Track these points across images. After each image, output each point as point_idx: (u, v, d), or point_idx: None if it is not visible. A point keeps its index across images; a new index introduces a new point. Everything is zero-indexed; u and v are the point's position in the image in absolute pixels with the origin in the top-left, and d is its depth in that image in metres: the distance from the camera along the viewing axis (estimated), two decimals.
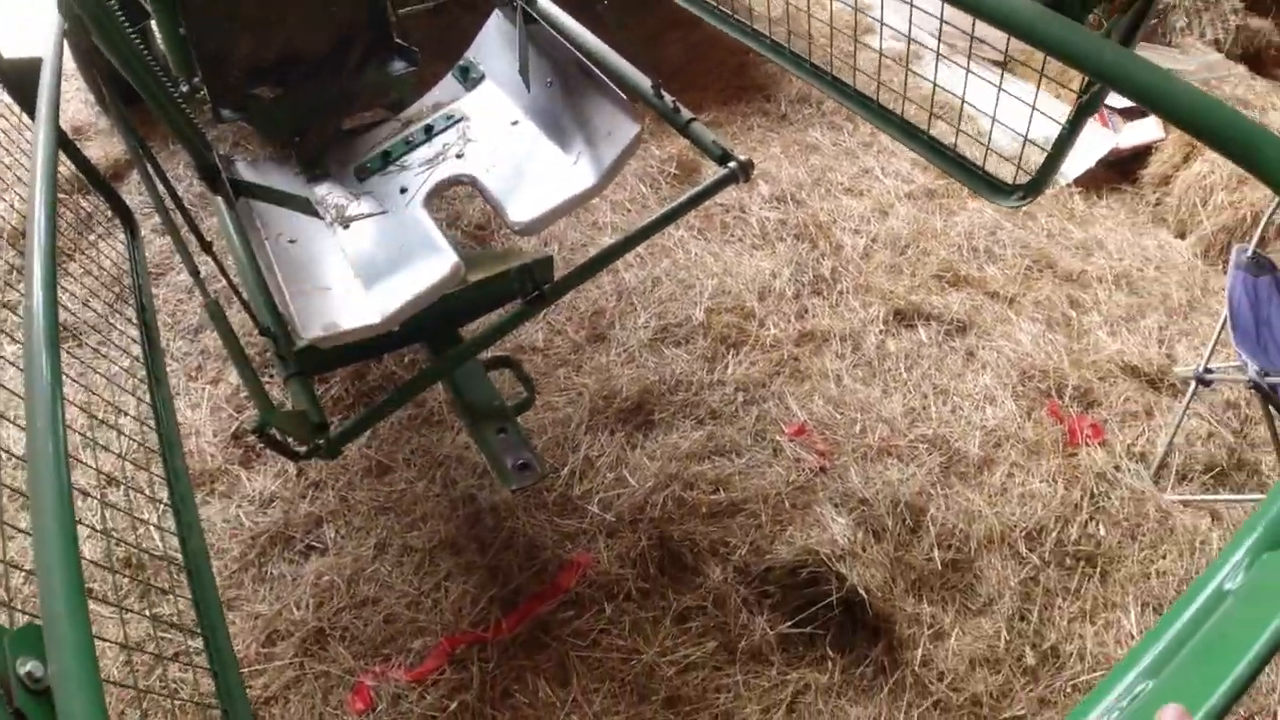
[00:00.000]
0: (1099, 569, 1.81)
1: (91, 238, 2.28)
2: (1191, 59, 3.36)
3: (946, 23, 1.20)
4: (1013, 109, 1.26)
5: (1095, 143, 2.96)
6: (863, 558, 1.71)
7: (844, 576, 1.67)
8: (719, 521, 1.79)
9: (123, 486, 1.79)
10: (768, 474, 1.88)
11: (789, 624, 1.65)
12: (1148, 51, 3.63)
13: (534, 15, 1.73)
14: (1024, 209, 2.64)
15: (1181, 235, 2.79)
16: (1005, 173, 1.36)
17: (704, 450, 1.92)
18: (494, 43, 1.85)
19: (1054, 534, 1.85)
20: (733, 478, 1.86)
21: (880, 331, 2.26)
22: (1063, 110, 1.26)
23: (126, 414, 1.80)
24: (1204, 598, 0.57)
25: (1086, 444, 2.04)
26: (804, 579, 1.68)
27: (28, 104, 2.16)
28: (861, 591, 1.65)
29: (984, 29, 1.06)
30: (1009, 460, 1.99)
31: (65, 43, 1.76)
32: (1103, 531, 1.87)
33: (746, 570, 1.71)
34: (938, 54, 1.32)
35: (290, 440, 1.38)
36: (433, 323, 1.60)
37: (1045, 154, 1.27)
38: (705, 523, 1.78)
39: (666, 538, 1.75)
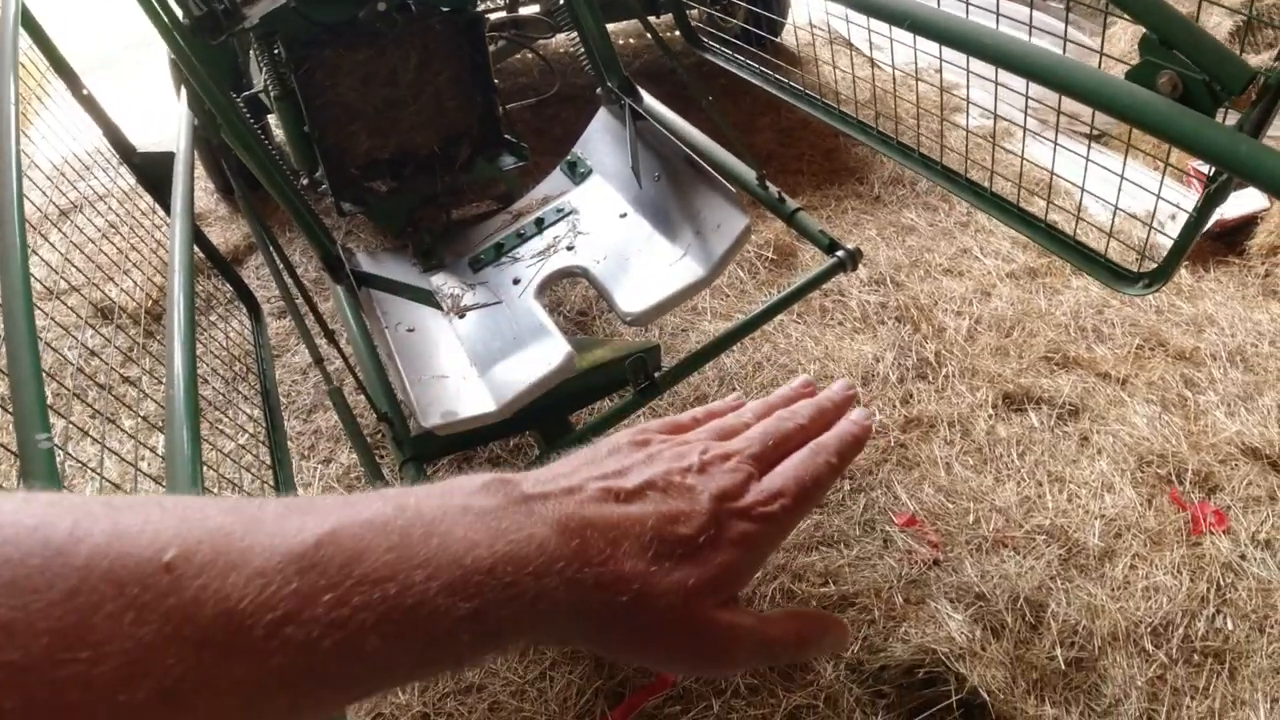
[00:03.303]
0: (1227, 665, 1.70)
1: (212, 318, 2.40)
2: None
3: (1034, 99, 1.19)
4: (1114, 183, 1.24)
5: None
6: (982, 657, 1.64)
7: (964, 677, 1.60)
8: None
9: None
10: (879, 566, 1.82)
11: None
12: None
13: (641, 113, 1.79)
14: None
15: None
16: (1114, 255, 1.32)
17: (811, 540, 1.88)
18: (601, 138, 1.92)
19: (1181, 629, 1.75)
20: (843, 570, 1.82)
21: (989, 416, 2.20)
22: (1156, 181, 1.23)
23: (241, 489, 1.87)
24: None
25: (1210, 532, 1.94)
26: (921, 679, 1.62)
27: (158, 194, 2.32)
28: (984, 694, 1.57)
29: (1073, 105, 1.04)
30: (1131, 551, 1.89)
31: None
32: (1230, 625, 1.76)
33: (860, 668, 1.65)
34: (1039, 134, 1.31)
35: None
36: (545, 410, 1.62)
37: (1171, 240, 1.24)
38: None
39: None
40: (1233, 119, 0.98)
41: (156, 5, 1.51)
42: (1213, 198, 1.12)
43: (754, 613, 0.39)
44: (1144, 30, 0.95)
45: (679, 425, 0.45)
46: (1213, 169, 1.12)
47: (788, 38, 3.64)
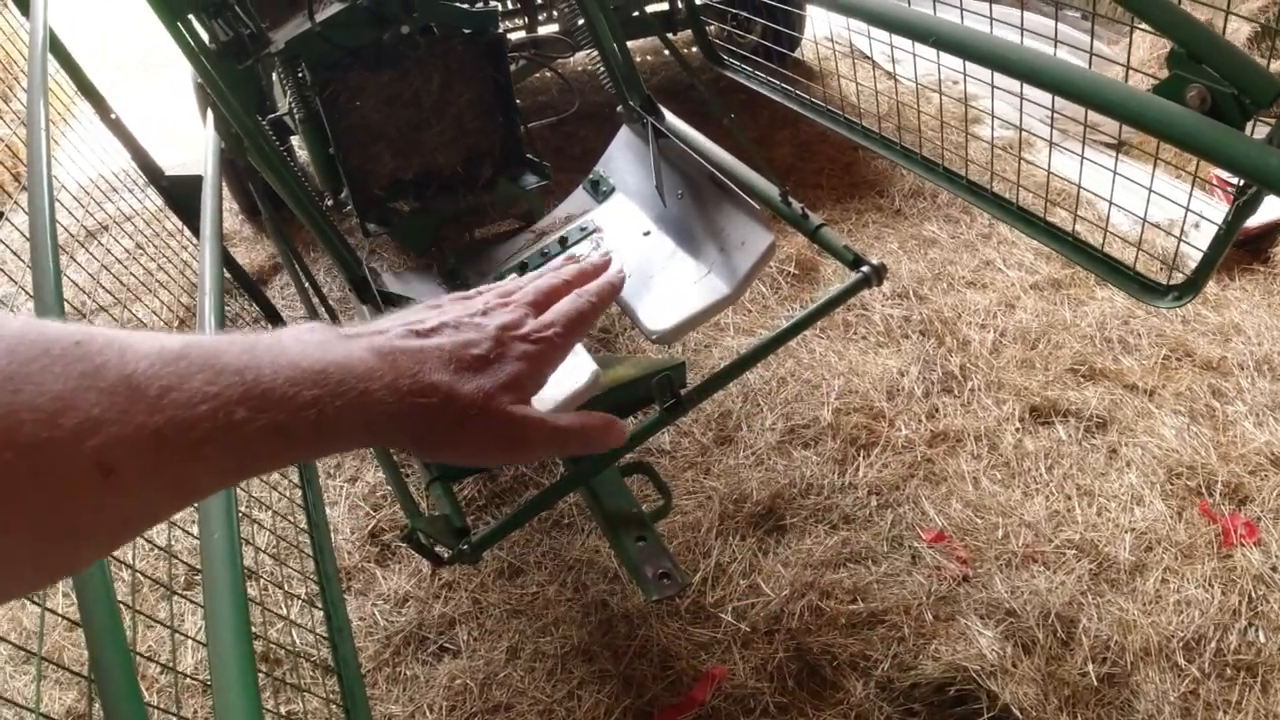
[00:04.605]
0: (1260, 678, 1.68)
1: None
2: None
3: (1055, 110, 1.19)
4: (1139, 195, 1.23)
5: None
6: (1014, 674, 1.62)
7: (995, 695, 1.58)
8: (859, 633, 1.73)
9: (261, 580, 1.86)
10: (907, 583, 1.81)
11: None
12: None
13: (663, 131, 1.80)
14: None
15: None
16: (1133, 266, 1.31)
17: (839, 557, 1.87)
18: (623, 156, 1.92)
19: (1213, 643, 1.73)
20: (871, 586, 1.81)
21: (1017, 430, 2.18)
22: (1178, 190, 1.22)
23: (268, 508, 1.88)
24: None
25: (1241, 544, 1.91)
26: (952, 697, 1.60)
27: (187, 216, 2.35)
28: (1016, 711, 1.55)
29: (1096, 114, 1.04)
30: (1162, 565, 1.87)
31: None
32: (1263, 638, 1.74)
33: (890, 686, 1.64)
34: (1060, 144, 1.30)
35: (433, 544, 1.41)
36: None
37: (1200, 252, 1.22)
38: (844, 634, 1.72)
39: (804, 649, 1.70)
40: (1261, 131, 0.97)
41: (184, 31, 1.54)
42: (1243, 210, 1.11)
43: (546, 412, 0.49)
44: (1171, 44, 0.94)
45: (467, 296, 0.54)
46: (1242, 181, 1.12)
47: (806, 51, 3.65)
